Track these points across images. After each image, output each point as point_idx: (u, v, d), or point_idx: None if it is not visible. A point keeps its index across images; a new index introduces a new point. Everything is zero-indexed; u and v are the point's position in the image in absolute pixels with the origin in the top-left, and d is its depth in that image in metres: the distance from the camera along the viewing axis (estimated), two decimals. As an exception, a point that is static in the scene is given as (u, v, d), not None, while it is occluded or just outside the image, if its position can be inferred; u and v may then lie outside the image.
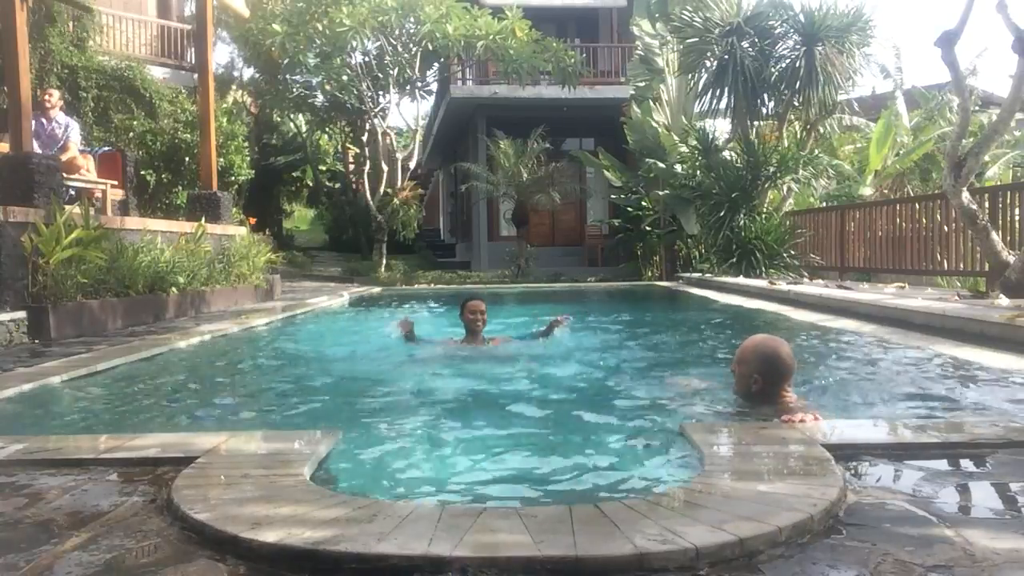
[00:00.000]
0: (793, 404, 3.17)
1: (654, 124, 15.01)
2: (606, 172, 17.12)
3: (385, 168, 18.29)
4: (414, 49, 17.45)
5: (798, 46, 12.16)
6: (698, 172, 13.62)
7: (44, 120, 8.53)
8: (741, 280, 10.75)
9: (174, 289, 7.98)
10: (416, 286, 15.25)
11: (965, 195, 7.69)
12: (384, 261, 18.18)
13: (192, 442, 2.63)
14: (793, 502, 1.89)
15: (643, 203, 16.52)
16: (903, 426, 2.98)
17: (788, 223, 12.56)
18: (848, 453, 2.41)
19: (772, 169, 12.24)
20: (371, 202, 18.42)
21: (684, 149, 13.93)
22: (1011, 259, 7.35)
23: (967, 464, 2.39)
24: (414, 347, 5.47)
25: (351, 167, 24.49)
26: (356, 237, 23.84)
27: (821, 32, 11.83)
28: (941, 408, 3.36)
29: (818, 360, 4.96)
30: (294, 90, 19.79)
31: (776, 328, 6.83)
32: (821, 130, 14.20)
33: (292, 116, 24.27)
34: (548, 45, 16.67)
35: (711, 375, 4.17)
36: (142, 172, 13.03)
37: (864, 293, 7.72)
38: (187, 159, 13.61)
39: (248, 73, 21.26)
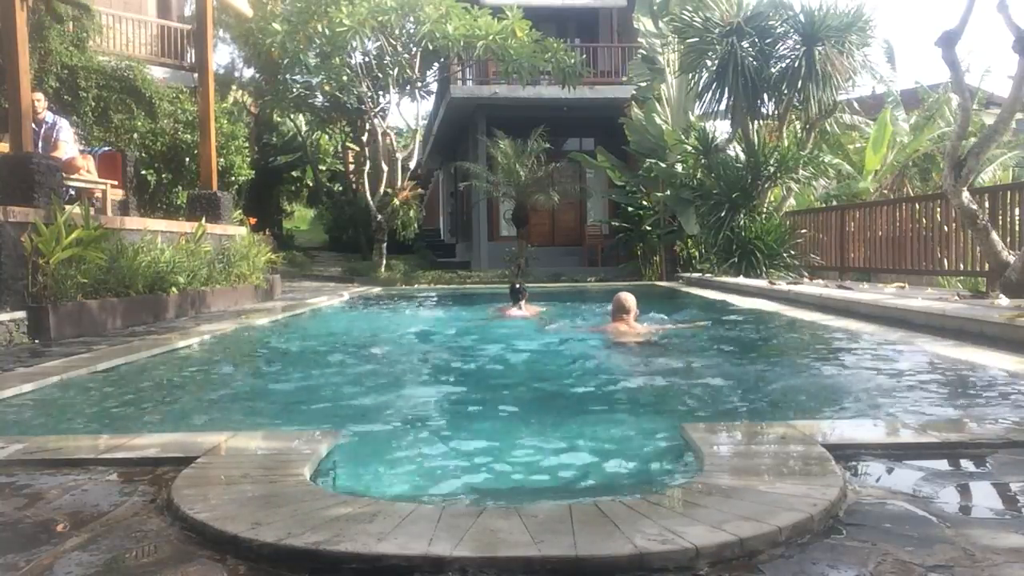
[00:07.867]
0: (618, 325, 5.66)
1: (656, 123, 15.00)
2: (607, 172, 17.11)
3: (385, 168, 18.28)
4: (414, 49, 17.45)
5: (798, 46, 12.14)
6: (698, 172, 13.60)
7: (35, 125, 8.50)
8: (741, 280, 10.75)
9: (174, 289, 7.98)
10: (416, 286, 15.24)
11: (965, 195, 7.69)
12: (384, 261, 18.18)
13: (192, 442, 2.63)
14: (793, 502, 1.89)
15: (643, 203, 16.52)
16: (903, 426, 2.98)
17: (788, 223, 12.56)
18: (848, 453, 2.42)
19: (772, 169, 12.25)
20: (371, 202, 18.41)
21: (688, 148, 13.90)
22: (1011, 259, 7.35)
23: (967, 464, 2.39)
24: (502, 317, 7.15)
25: (351, 167, 24.47)
26: (356, 237, 23.82)
27: (821, 32, 11.82)
28: (941, 408, 3.36)
29: (817, 360, 4.96)
30: (294, 90, 19.78)
31: (775, 327, 6.83)
32: (828, 128, 14.18)
33: (292, 116, 24.26)
34: (548, 45, 16.65)
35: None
36: (142, 172, 13.02)
37: (864, 293, 7.72)
38: (187, 159, 13.61)
39: (248, 73, 21.29)
